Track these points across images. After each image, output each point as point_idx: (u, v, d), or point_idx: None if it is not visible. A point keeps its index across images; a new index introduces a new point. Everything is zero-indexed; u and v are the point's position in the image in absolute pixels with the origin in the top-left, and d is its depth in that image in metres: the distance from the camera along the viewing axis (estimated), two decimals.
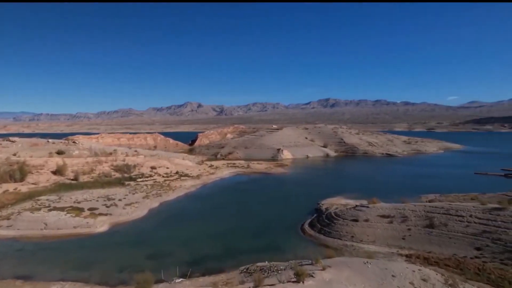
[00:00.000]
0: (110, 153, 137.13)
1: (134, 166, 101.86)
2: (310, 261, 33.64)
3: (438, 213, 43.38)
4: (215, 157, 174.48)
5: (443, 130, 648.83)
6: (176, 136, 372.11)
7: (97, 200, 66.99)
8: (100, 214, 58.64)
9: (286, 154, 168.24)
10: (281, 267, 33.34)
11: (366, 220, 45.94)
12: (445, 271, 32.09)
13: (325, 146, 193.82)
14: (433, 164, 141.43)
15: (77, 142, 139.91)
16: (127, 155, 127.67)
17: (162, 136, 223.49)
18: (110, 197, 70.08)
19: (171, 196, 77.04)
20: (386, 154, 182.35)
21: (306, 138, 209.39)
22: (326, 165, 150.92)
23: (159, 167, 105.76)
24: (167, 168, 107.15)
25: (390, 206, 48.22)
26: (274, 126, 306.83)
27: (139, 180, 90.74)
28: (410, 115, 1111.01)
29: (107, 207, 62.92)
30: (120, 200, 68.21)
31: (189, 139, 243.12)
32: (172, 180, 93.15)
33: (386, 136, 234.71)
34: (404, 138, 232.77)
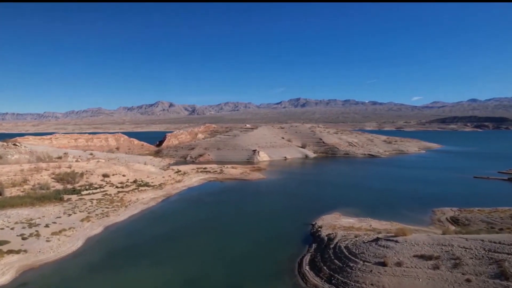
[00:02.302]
0: (60, 157, 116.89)
1: (82, 175, 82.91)
2: None
3: (509, 254, 29.21)
4: (184, 160, 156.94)
5: (411, 129, 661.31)
6: (146, 136, 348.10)
7: (13, 228, 48.45)
8: (10, 252, 40.52)
9: (263, 156, 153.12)
10: None
11: (399, 264, 31.08)
12: None
13: (303, 147, 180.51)
14: (422, 166, 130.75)
15: (18, 145, 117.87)
16: (77, 160, 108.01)
17: (125, 137, 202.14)
18: (34, 221, 51.62)
19: (122, 215, 59.41)
20: (368, 154, 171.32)
21: (283, 138, 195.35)
22: (307, 168, 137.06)
23: (113, 174, 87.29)
24: (124, 175, 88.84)
25: (429, 240, 33.58)
26: (248, 125, 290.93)
27: (84, 192, 72.19)
28: (378, 114, 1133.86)
29: (24, 238, 44.74)
30: (47, 226, 50.02)
31: (159, 140, 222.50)
32: (127, 192, 75.22)
33: (365, 135, 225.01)
34: (384, 137, 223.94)
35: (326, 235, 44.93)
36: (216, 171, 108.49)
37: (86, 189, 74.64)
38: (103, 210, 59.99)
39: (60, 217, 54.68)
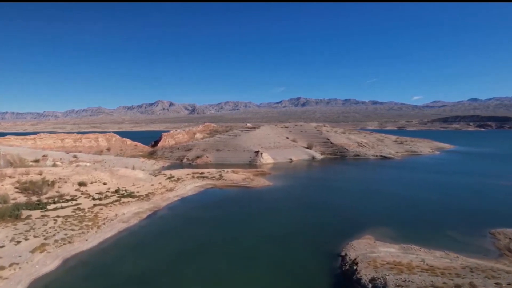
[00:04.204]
0: (37, 160, 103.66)
1: (53, 183, 69.16)
2: None
3: None
4: (180, 162, 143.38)
5: (414, 128, 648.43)
6: (145, 135, 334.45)
7: None
8: None
9: (266, 158, 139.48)
10: None
11: None
12: None
13: (309, 148, 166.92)
14: (445, 170, 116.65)
15: None
16: (55, 164, 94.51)
17: (117, 137, 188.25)
18: None
19: (90, 240, 45.69)
20: (381, 156, 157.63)
21: (287, 138, 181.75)
22: (316, 172, 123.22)
23: (92, 182, 73.52)
24: (104, 183, 75.07)
25: None
26: (249, 124, 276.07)
27: (51, 207, 58.43)
28: (379, 113, 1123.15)
29: None
30: None
31: (155, 140, 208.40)
32: (105, 205, 61.51)
33: (374, 135, 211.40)
34: (394, 137, 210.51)
35: (370, 281, 31.30)
36: (214, 177, 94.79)
37: (55, 202, 60.85)
38: (66, 234, 46.23)
39: (3, 246, 40.87)
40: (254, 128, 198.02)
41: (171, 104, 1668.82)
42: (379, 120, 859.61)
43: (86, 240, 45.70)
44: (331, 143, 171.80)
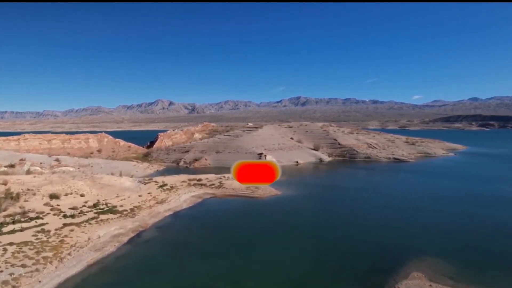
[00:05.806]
0: (12, 165, 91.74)
1: (17, 196, 57.09)
2: None
3: None
4: (176, 165, 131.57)
5: (416, 128, 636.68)
6: (143, 135, 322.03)
7: None
8: None
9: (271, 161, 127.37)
10: None
11: None
12: None
13: (316, 149, 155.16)
14: (468, 175, 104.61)
15: None
16: (29, 169, 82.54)
17: (109, 137, 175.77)
18: None
19: (45, 282, 33.48)
20: (394, 158, 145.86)
21: (292, 138, 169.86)
22: (327, 177, 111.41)
23: (67, 194, 61.42)
24: (82, 195, 62.96)
25: None
26: (250, 124, 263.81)
27: (7, 228, 46.25)
28: (379, 113, 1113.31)
29: None
30: None
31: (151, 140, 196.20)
32: (79, 225, 49.46)
33: (384, 135, 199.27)
34: (404, 138, 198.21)
35: None
36: (214, 184, 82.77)
37: (14, 222, 48.75)
38: (13, 273, 34.13)
39: None
40: (256, 128, 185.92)
41: (170, 104, 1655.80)
42: (380, 120, 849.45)
43: (39, 282, 33.70)
44: (339, 144, 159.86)
